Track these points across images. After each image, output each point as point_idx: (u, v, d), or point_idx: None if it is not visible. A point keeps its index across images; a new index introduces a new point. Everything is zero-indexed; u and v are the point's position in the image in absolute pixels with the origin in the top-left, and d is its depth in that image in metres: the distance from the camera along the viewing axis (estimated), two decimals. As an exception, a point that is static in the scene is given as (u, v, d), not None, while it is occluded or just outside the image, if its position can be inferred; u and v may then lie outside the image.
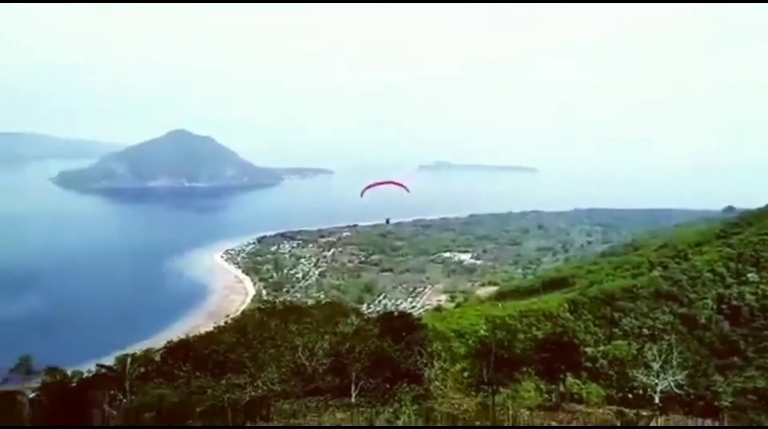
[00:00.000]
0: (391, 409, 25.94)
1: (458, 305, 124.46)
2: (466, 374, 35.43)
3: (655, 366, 33.36)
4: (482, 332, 59.72)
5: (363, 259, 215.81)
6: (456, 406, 28.45)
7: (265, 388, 29.09)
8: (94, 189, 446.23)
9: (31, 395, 32.12)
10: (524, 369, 34.80)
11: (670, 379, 32.67)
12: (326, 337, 37.24)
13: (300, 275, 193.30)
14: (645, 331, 79.21)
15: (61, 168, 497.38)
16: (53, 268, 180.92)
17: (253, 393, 27.85)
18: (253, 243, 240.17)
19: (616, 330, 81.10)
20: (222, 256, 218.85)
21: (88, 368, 40.48)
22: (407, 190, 42.94)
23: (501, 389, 31.31)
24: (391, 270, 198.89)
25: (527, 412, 28.91)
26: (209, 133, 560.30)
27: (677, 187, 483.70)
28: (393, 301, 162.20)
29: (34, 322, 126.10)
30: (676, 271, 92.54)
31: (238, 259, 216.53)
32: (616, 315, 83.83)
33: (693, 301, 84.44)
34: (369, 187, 42.54)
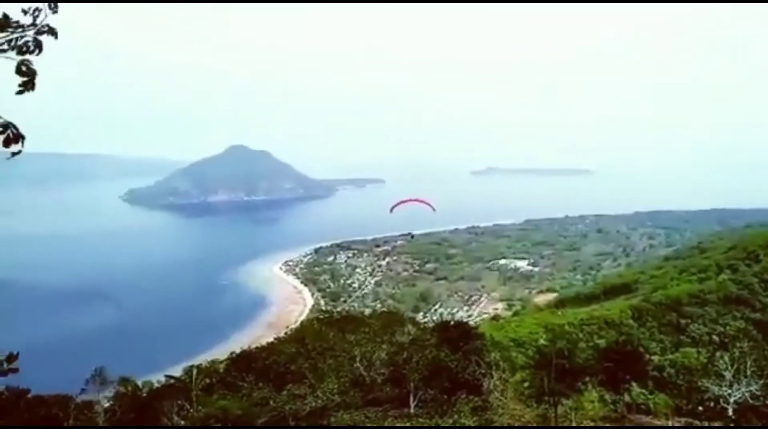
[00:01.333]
0: (450, 420, 25.72)
1: (516, 314, 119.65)
2: (526, 385, 34.65)
3: (728, 375, 31.94)
4: (541, 341, 58.29)
5: (418, 267, 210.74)
6: (516, 417, 27.87)
7: (324, 398, 29.03)
8: (160, 205, 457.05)
9: (106, 405, 33.19)
10: (587, 379, 33.81)
11: (744, 389, 30.94)
12: (383, 347, 36.96)
13: (356, 285, 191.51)
14: (715, 338, 74.95)
15: (131, 186, 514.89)
16: (123, 281, 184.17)
17: (313, 404, 27.92)
18: (310, 254, 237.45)
19: (683, 337, 76.87)
20: (281, 268, 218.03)
21: (158, 378, 41.57)
22: (433, 209, 43.87)
23: (563, 400, 30.44)
24: (446, 278, 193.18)
25: (591, 424, 28.33)
26: (266, 147, 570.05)
27: (746, 186, 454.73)
28: (449, 310, 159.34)
29: (108, 334, 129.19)
30: (747, 274, 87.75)
31: (296, 269, 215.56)
32: (683, 321, 79.47)
33: (766, 305, 79.82)
34: (397, 205, 43.19)
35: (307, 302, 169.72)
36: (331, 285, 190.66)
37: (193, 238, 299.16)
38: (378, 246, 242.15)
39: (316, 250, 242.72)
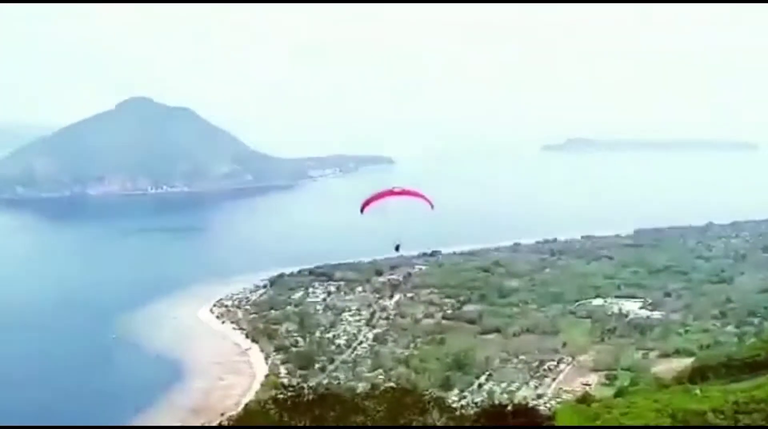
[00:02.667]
0: None
1: (620, 393, 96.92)
2: None
3: None
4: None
5: (450, 311, 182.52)
6: None
7: None
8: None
9: None
10: None
11: None
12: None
13: (343, 340, 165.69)
14: None
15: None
16: None
17: None
18: (264, 286, 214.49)
19: None
20: (212, 310, 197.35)
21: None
22: (431, 206, 44.95)
23: None
24: (498, 330, 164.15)
25: None
26: (191, 105, 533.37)
27: None
28: (504, 385, 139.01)
29: None
30: None
31: (239, 313, 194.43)
32: None
33: None
34: (370, 201, 44.43)
35: (258, 370, 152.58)
36: (300, 340, 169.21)
37: (61, 260, 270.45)
38: (380, 273, 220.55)
39: (274, 281, 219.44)
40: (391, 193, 43.27)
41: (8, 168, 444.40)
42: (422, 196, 44.26)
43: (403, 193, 44.12)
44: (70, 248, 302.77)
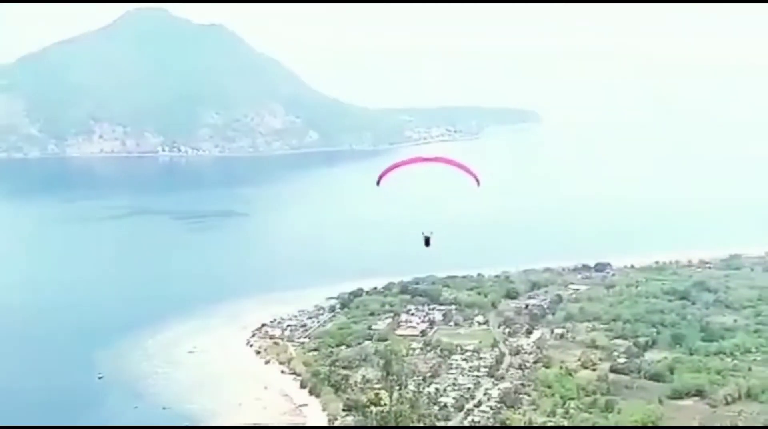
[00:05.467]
0: None
1: None
2: None
3: None
4: None
5: (623, 358, 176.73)
6: None
7: None
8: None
9: None
10: None
11: None
12: None
13: (451, 399, 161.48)
14: None
15: None
16: None
17: None
18: (331, 308, 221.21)
19: None
20: (249, 341, 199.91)
21: None
22: (477, 183, 53.60)
23: None
24: (700, 393, 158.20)
25: None
26: (220, 17, 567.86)
27: None
28: None
29: None
30: None
31: (290, 349, 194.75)
32: None
33: None
34: (390, 169, 54.05)
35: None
36: (384, 396, 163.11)
37: (25, 256, 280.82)
38: (514, 295, 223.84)
39: (346, 301, 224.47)
40: (420, 160, 48.75)
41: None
42: (465, 168, 49.02)
43: (437, 160, 49.88)
44: (38, 239, 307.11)
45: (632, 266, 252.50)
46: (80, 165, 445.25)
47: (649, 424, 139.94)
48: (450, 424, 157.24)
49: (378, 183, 51.89)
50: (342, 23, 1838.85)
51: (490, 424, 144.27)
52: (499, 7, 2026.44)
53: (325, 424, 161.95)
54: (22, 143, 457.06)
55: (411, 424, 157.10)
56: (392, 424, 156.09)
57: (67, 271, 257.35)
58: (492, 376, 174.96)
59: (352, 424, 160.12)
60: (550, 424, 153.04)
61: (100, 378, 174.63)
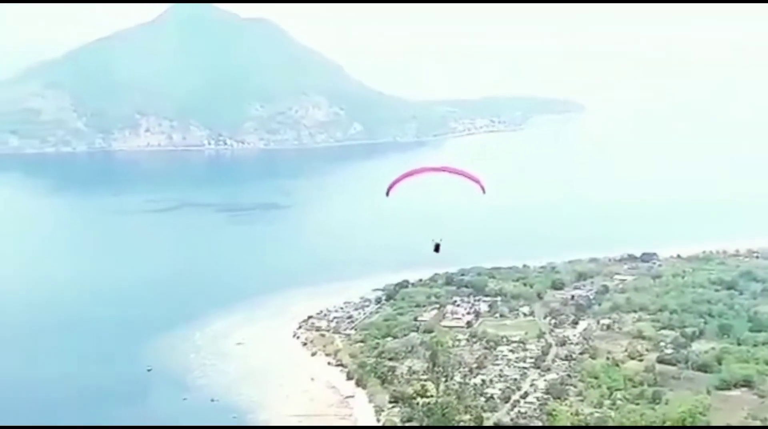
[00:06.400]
0: None
1: None
2: None
3: None
4: None
5: (670, 349, 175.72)
6: None
7: None
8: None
9: None
10: None
11: None
12: None
13: (497, 390, 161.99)
14: None
15: None
16: None
17: None
18: (377, 300, 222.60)
19: None
20: (296, 333, 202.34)
21: None
22: (483, 190, 56.85)
23: None
24: (749, 384, 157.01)
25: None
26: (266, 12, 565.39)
27: None
28: None
29: None
30: None
31: (337, 341, 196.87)
32: None
33: None
34: (400, 180, 57.49)
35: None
36: (430, 388, 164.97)
37: (72, 250, 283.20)
38: (560, 286, 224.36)
39: (392, 292, 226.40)
40: (427, 169, 50.66)
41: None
42: (470, 176, 50.72)
43: (444, 169, 51.00)
44: (85, 232, 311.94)
45: (679, 256, 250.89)
46: (127, 158, 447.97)
47: (697, 416, 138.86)
48: (496, 417, 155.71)
49: (387, 194, 54.71)
50: (385, 20, 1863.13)
51: (536, 415, 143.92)
52: (537, 7, 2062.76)
53: (372, 415, 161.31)
54: (70, 137, 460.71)
55: (457, 416, 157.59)
56: (438, 415, 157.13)
57: (117, 263, 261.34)
58: (538, 368, 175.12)
59: (398, 415, 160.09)
60: (597, 415, 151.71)
61: (149, 370, 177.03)
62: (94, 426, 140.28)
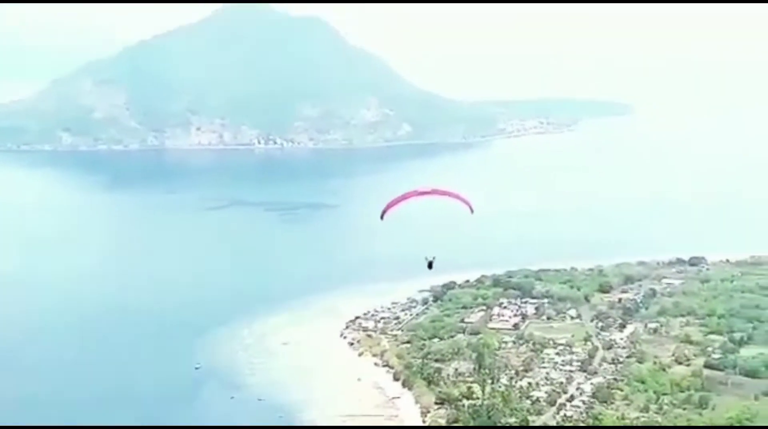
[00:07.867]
0: None
1: None
2: None
3: None
4: None
5: (718, 354, 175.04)
6: None
7: None
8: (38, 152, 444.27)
9: None
10: None
11: None
12: None
13: (543, 393, 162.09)
14: None
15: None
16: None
17: None
18: (424, 301, 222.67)
19: None
20: (343, 333, 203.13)
21: None
22: (471, 210, 57.83)
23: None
24: None
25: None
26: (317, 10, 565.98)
27: None
28: None
29: None
30: None
31: (384, 341, 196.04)
32: None
33: None
34: (394, 204, 57.92)
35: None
36: (476, 390, 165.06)
37: (123, 246, 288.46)
38: (607, 289, 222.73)
39: (439, 294, 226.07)
40: (417, 193, 50.58)
41: (49, 104, 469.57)
42: (458, 197, 48.64)
43: (434, 193, 50.66)
44: (139, 229, 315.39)
45: (728, 261, 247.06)
46: (178, 157, 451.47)
47: (744, 421, 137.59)
48: (542, 420, 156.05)
49: (382, 217, 54.73)
50: (436, 21, 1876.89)
51: (582, 419, 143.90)
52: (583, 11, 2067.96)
53: (417, 416, 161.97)
54: (123, 135, 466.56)
55: (502, 419, 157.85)
56: (484, 417, 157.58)
57: (168, 261, 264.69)
58: (584, 371, 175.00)
59: (444, 416, 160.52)
60: (643, 419, 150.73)
61: (197, 368, 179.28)
62: (96, 426, 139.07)
